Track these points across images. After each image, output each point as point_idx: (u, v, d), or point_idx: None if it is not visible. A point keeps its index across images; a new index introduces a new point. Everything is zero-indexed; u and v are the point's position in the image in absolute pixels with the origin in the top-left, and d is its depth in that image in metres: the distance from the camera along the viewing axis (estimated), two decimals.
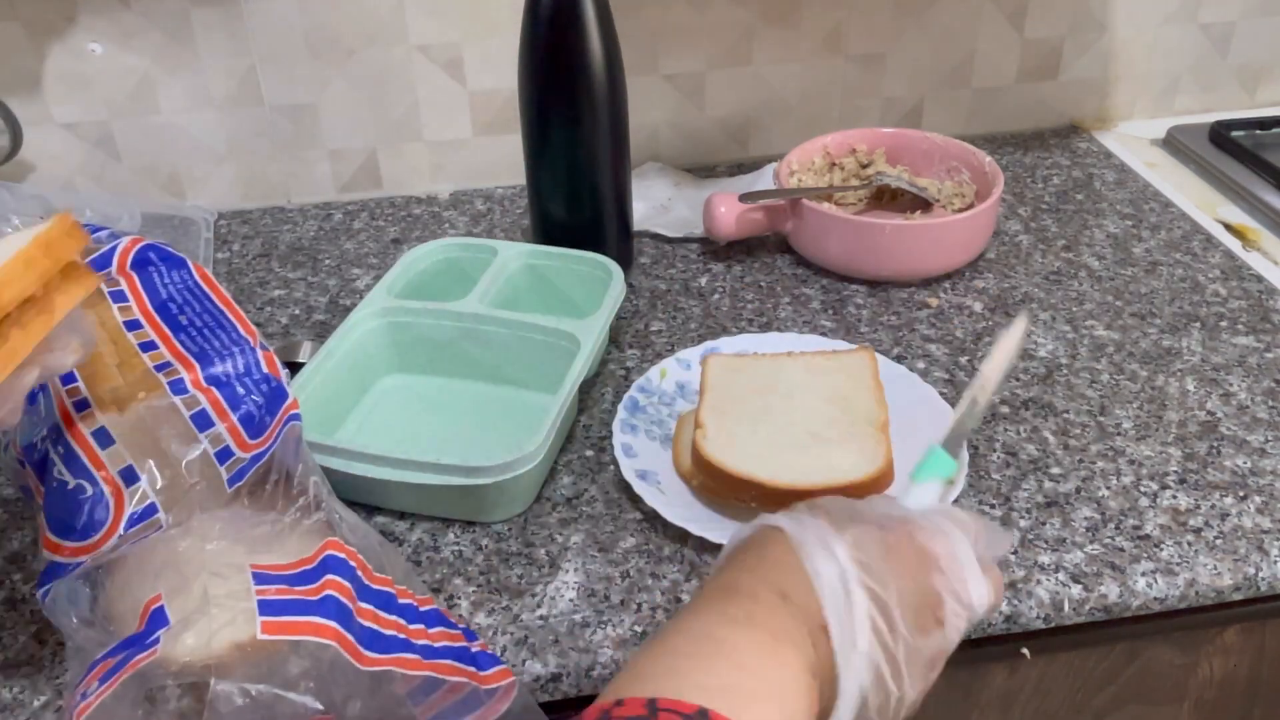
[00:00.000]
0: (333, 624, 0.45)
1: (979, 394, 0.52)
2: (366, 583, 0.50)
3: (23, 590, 0.59)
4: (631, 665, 0.39)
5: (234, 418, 0.52)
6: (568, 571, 0.59)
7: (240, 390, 0.54)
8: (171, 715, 0.45)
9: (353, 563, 0.49)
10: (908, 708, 0.44)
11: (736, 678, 0.38)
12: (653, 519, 0.62)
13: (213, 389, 0.53)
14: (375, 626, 0.48)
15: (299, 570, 0.47)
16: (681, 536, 0.60)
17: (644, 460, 0.65)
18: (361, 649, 0.46)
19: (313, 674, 0.45)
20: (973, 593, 0.44)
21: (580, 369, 0.67)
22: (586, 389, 0.72)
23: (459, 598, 0.58)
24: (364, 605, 0.48)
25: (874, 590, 0.42)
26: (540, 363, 0.71)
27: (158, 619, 0.45)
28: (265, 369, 0.55)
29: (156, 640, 0.44)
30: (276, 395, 0.54)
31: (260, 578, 0.46)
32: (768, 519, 0.46)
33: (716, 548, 0.59)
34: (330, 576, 0.47)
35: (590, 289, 0.76)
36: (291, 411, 0.54)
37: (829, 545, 0.43)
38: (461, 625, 0.53)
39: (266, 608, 0.45)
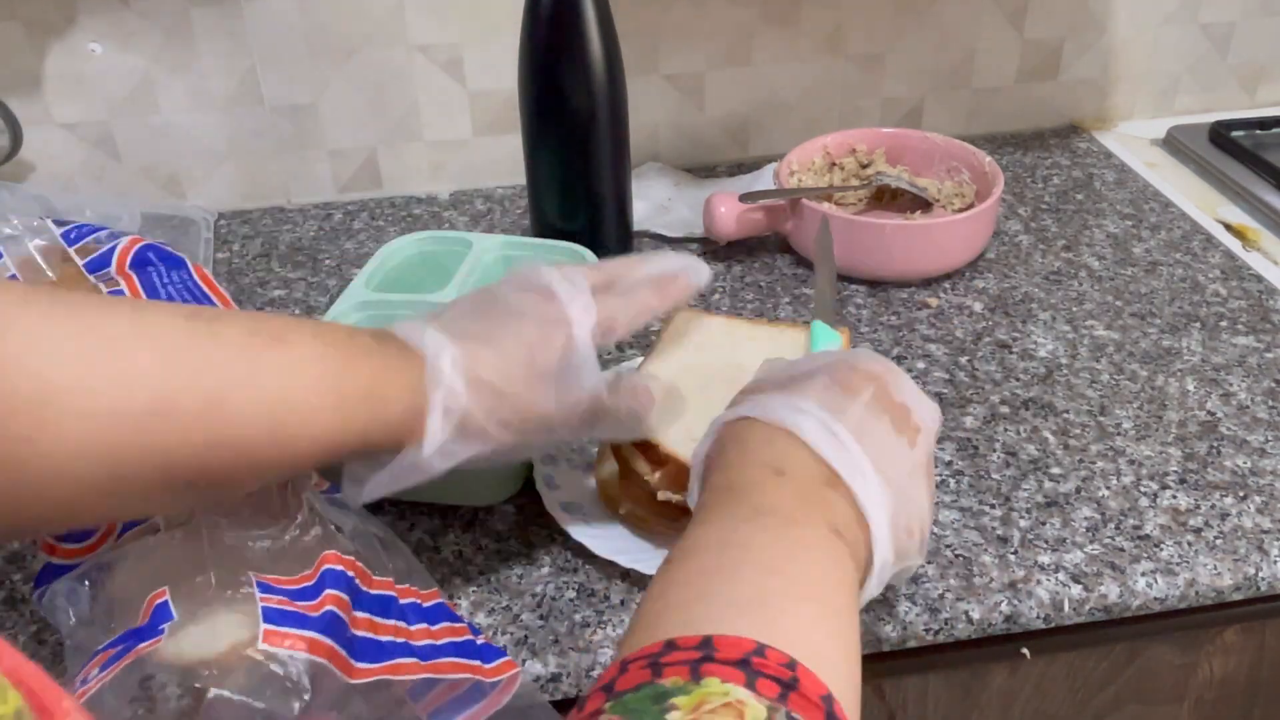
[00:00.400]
0: (329, 641, 0.45)
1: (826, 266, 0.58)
2: (364, 589, 0.50)
3: (23, 590, 0.59)
4: (660, 593, 0.38)
5: None
6: (568, 571, 0.59)
7: None
8: (171, 715, 0.45)
9: (350, 572, 0.49)
10: (929, 515, 0.47)
11: (768, 584, 0.38)
12: None
13: None
14: (370, 635, 0.48)
15: (300, 586, 0.47)
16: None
17: (567, 492, 0.63)
18: (353, 662, 0.46)
19: (310, 678, 0.45)
20: (924, 400, 0.48)
21: None
22: None
23: (459, 598, 0.58)
24: (360, 614, 0.49)
25: (855, 423, 0.44)
26: None
27: (162, 612, 0.45)
28: None
29: (160, 631, 0.45)
30: None
31: (264, 587, 0.46)
32: (725, 416, 0.47)
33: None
34: (330, 591, 0.48)
35: None
36: None
37: (795, 405, 0.45)
38: (473, 618, 0.53)
39: (270, 616, 0.45)
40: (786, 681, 0.32)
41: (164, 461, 0.41)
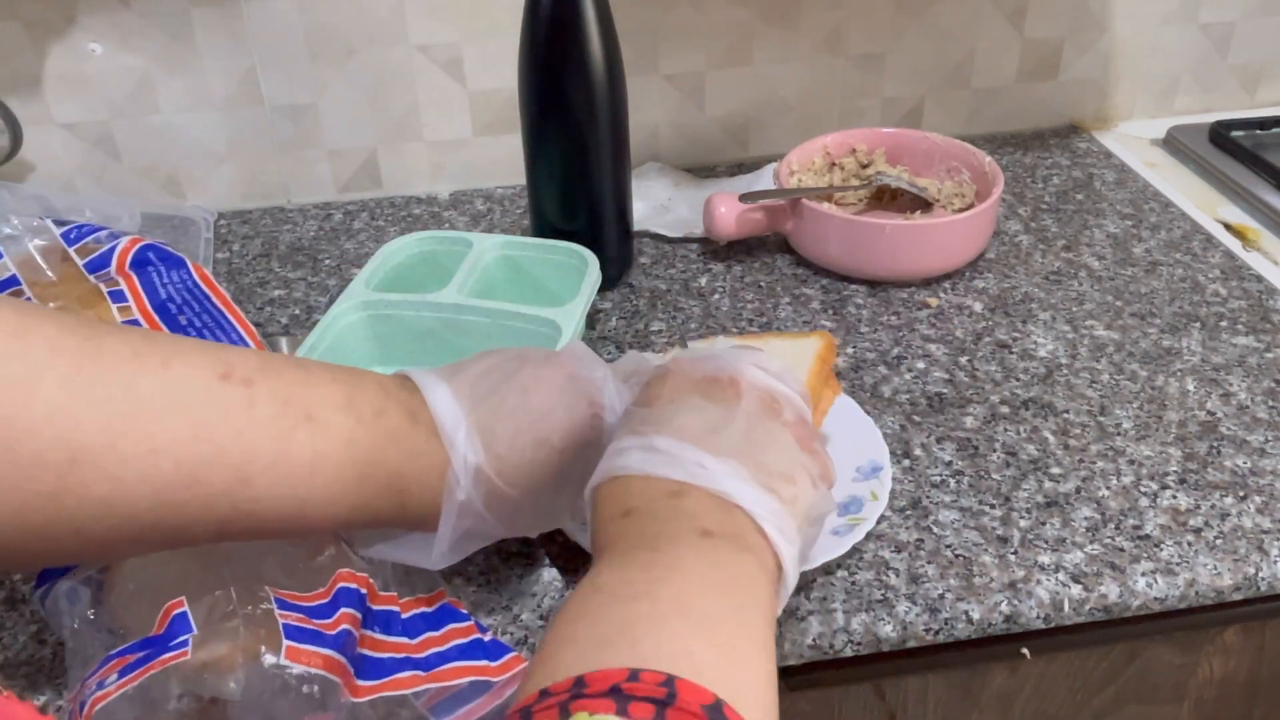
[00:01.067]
0: (341, 659, 0.46)
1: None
2: (371, 606, 0.50)
3: (23, 590, 0.59)
4: (537, 652, 0.37)
5: None
6: (568, 572, 0.59)
7: None
8: (171, 715, 0.45)
9: (363, 590, 0.50)
10: (798, 455, 0.44)
11: (633, 611, 0.36)
12: None
13: None
14: (371, 653, 0.48)
15: (316, 603, 0.48)
16: None
17: None
18: (356, 680, 0.47)
19: (323, 694, 0.45)
20: (723, 359, 0.47)
21: None
22: None
23: (459, 598, 0.58)
24: (365, 632, 0.49)
25: (669, 425, 0.43)
26: None
27: (181, 624, 0.45)
28: None
29: (184, 644, 0.45)
30: None
31: (282, 604, 0.46)
32: (600, 477, 0.45)
33: None
34: (344, 610, 0.48)
35: (566, 277, 0.76)
36: None
37: (616, 449, 0.44)
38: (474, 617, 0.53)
39: (291, 634, 0.45)
40: (662, 699, 0.32)
41: (183, 524, 0.42)
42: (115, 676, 0.44)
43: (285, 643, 0.45)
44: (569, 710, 0.31)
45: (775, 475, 0.42)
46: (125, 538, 0.41)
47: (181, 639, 0.45)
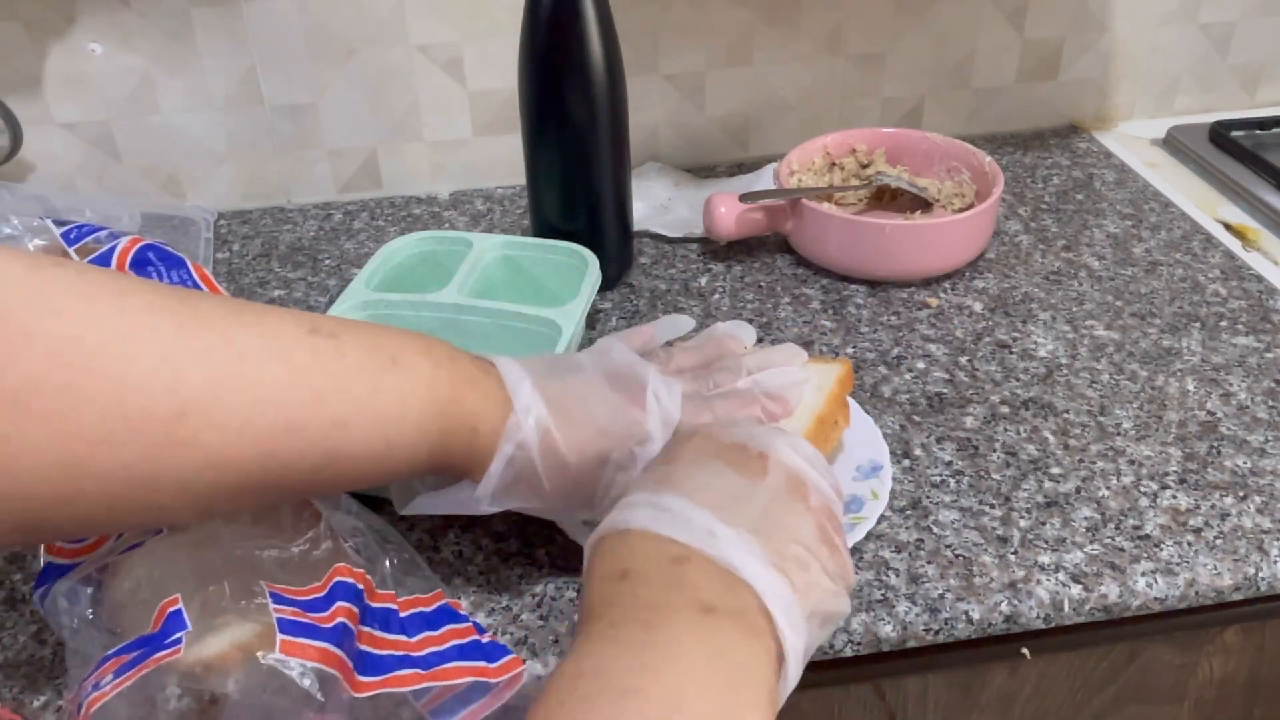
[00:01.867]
0: (339, 652, 0.46)
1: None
2: (369, 604, 0.50)
3: (23, 590, 0.59)
4: None
5: None
6: (568, 572, 0.59)
7: None
8: (171, 716, 0.45)
9: (360, 585, 0.50)
10: (818, 539, 0.42)
11: (624, 710, 0.33)
12: None
13: None
14: (372, 650, 0.48)
15: (311, 597, 0.48)
16: None
17: None
18: (357, 675, 0.47)
19: (321, 688, 0.45)
20: (758, 429, 0.45)
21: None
22: None
23: (459, 598, 0.58)
24: (364, 629, 0.49)
25: (685, 485, 0.41)
26: (521, 350, 0.71)
27: (175, 621, 0.45)
28: None
29: (178, 641, 0.45)
30: None
31: (276, 598, 0.46)
32: (589, 543, 0.42)
33: None
34: (341, 603, 0.48)
35: (566, 277, 0.76)
36: None
37: (625, 503, 0.42)
38: (473, 618, 0.53)
39: (286, 628, 0.45)
40: None
41: (281, 472, 0.42)
42: (111, 677, 0.44)
43: (280, 637, 0.45)
44: None
45: (790, 558, 0.39)
46: (226, 491, 0.42)
47: (176, 636, 0.45)
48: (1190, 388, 0.72)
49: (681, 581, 0.37)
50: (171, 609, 0.46)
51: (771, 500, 0.41)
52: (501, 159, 1.00)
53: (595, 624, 0.37)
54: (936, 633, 0.56)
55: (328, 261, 0.91)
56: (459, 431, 0.47)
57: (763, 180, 0.97)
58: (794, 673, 0.39)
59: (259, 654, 0.44)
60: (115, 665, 0.44)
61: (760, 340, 0.77)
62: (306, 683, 0.44)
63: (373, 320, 0.72)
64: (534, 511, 0.53)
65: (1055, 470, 0.65)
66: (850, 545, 0.57)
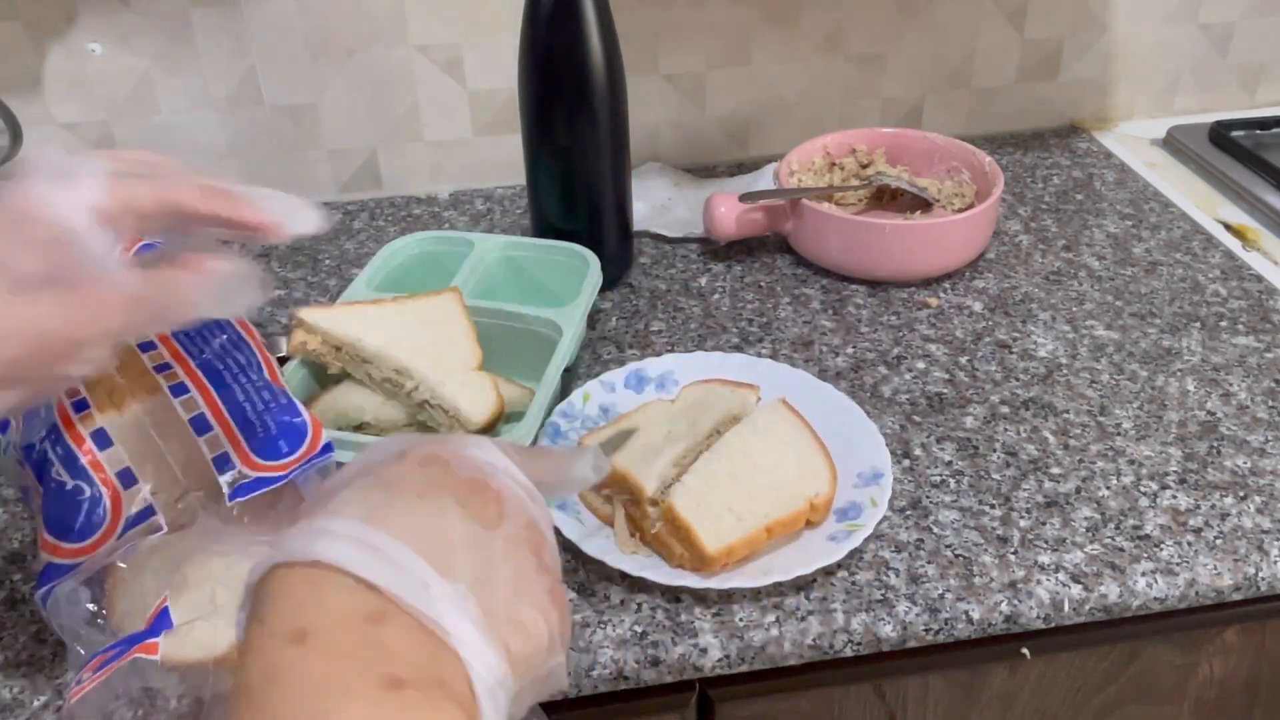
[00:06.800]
0: None
1: None
2: None
3: (23, 590, 0.59)
4: None
5: (235, 428, 0.52)
6: (567, 572, 0.59)
7: (240, 395, 0.54)
8: (170, 716, 0.45)
9: None
10: (547, 598, 0.36)
11: None
12: None
13: (212, 392, 0.53)
14: None
15: None
16: None
17: None
18: None
19: None
20: (505, 473, 0.38)
21: (564, 355, 0.68)
22: (566, 378, 0.72)
23: None
24: None
25: (403, 524, 0.34)
26: (522, 350, 0.71)
27: (163, 621, 0.46)
28: (266, 375, 0.55)
29: (156, 635, 0.45)
30: (290, 426, 0.53)
31: None
32: (278, 556, 0.33)
33: None
34: None
35: (566, 278, 0.76)
36: (311, 454, 0.53)
37: (320, 529, 0.33)
38: None
39: None
40: None
41: None
42: (90, 674, 0.44)
43: None
44: None
45: (509, 623, 0.34)
46: None
47: (157, 631, 0.45)
48: (1190, 388, 0.72)
49: (372, 647, 0.31)
50: (161, 608, 0.46)
51: (504, 553, 0.35)
52: (501, 159, 1.00)
53: (248, 701, 0.30)
54: (936, 633, 0.56)
55: (328, 261, 0.91)
56: None
57: (763, 180, 0.97)
58: None
59: None
60: (98, 662, 0.45)
61: (760, 341, 0.78)
62: None
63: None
64: None
65: (1055, 470, 0.65)
66: (846, 551, 0.57)
